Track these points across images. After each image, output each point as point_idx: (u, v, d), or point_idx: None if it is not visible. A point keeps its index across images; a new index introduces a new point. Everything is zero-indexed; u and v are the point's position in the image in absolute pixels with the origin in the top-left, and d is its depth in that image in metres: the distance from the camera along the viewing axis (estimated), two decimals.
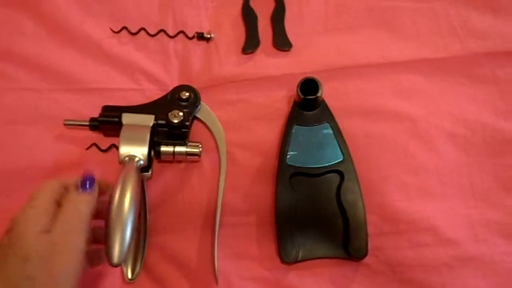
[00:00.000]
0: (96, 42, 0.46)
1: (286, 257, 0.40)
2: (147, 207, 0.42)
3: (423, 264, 0.40)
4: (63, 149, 0.43)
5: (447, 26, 0.47)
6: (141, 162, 0.39)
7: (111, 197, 0.34)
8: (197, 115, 0.44)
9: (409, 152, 0.43)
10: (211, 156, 0.44)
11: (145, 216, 0.42)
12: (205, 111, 0.45)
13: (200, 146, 0.43)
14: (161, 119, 0.42)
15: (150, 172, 0.42)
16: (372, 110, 0.45)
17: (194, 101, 0.44)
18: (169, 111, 0.42)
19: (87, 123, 0.42)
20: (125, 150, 0.39)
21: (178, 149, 0.42)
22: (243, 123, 0.45)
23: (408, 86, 0.45)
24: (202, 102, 0.44)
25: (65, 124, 0.43)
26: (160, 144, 0.42)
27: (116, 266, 0.32)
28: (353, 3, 0.48)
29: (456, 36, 0.46)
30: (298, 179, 0.42)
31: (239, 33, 0.47)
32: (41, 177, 0.42)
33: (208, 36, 0.47)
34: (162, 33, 0.47)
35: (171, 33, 0.47)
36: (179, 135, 0.42)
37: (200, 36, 0.47)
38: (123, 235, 0.33)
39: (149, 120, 0.42)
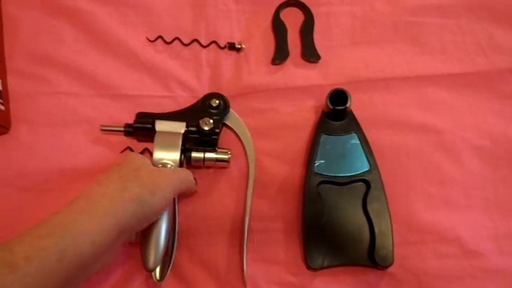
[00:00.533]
0: (132, 50, 0.48)
1: (312, 263, 0.40)
2: (177, 210, 0.43)
3: (448, 275, 0.41)
4: (99, 152, 0.45)
5: (472, 42, 0.48)
6: (172, 166, 0.41)
7: None
8: (226, 122, 0.45)
9: (435, 164, 0.44)
10: (239, 163, 0.45)
11: (174, 219, 0.43)
12: (234, 118, 0.46)
13: (229, 152, 0.44)
14: (192, 126, 0.43)
15: None
16: (398, 122, 0.46)
17: (223, 109, 0.45)
18: (200, 119, 0.43)
19: (122, 129, 0.44)
20: (158, 156, 0.41)
21: (208, 155, 0.43)
22: (271, 131, 0.46)
23: (434, 99, 0.46)
24: (231, 110, 0.46)
25: (101, 130, 0.45)
26: (191, 150, 0.43)
27: (151, 271, 0.35)
28: (379, 18, 0.50)
29: (481, 51, 0.48)
30: (325, 187, 0.43)
31: (269, 45, 0.49)
32: (78, 178, 0.44)
33: (239, 46, 0.48)
34: (195, 43, 0.48)
35: (203, 42, 0.49)
36: (209, 141, 0.44)
37: (232, 46, 0.48)
38: (158, 242, 0.36)
39: (180, 127, 0.43)
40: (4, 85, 0.45)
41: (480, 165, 0.44)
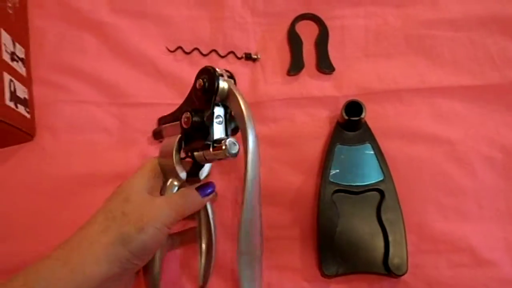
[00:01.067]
0: (151, 61, 0.50)
1: (326, 270, 0.41)
2: (210, 213, 0.39)
3: (461, 284, 0.42)
4: (117, 158, 0.46)
5: (484, 55, 0.49)
6: (175, 182, 0.36)
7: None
8: (225, 103, 0.36)
9: (447, 175, 0.45)
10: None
11: (208, 223, 0.39)
12: (229, 93, 0.35)
13: (225, 142, 0.33)
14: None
15: (204, 175, 0.39)
16: (411, 133, 0.47)
17: (210, 91, 0.34)
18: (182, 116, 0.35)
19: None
20: (162, 166, 0.37)
21: (206, 152, 0.35)
22: (286, 140, 0.47)
23: (446, 111, 0.47)
24: (223, 84, 0.35)
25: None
26: (194, 150, 0.36)
27: None
28: (392, 31, 0.51)
29: (493, 64, 0.49)
30: (339, 196, 0.44)
31: (285, 56, 0.50)
32: (99, 183, 0.45)
33: (255, 56, 0.50)
34: (213, 53, 0.50)
35: (221, 53, 0.50)
36: (203, 136, 0.35)
37: (248, 57, 0.50)
38: (153, 272, 0.36)
39: (178, 129, 0.36)
40: (30, 94, 0.47)
41: (492, 176, 0.45)
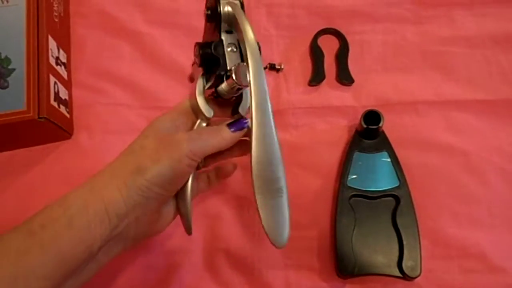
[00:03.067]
0: (181, 68, 0.53)
1: (343, 271, 0.43)
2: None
3: None
4: None
5: (497, 71, 0.51)
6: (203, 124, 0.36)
7: None
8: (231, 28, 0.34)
9: (461, 183, 0.47)
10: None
11: None
12: (232, 17, 0.33)
13: (234, 67, 0.32)
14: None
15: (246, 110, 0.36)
16: (426, 143, 0.49)
17: (213, 15, 0.33)
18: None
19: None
20: (197, 115, 0.36)
21: (223, 87, 0.33)
22: (306, 146, 0.50)
23: (461, 123, 0.50)
24: (227, 8, 0.33)
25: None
26: (216, 85, 0.34)
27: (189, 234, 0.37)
28: (409, 46, 0.54)
29: (506, 80, 0.51)
30: (356, 201, 0.46)
31: (306, 68, 0.53)
32: None
33: (279, 67, 0.53)
34: None
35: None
36: (217, 68, 0.33)
37: (272, 67, 0.53)
38: (186, 204, 0.35)
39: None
40: (70, 95, 0.51)
41: (504, 186, 0.47)
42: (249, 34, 0.31)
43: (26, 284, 0.29)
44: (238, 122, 0.35)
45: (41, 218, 0.31)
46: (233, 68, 0.31)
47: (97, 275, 0.34)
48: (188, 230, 0.37)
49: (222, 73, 0.33)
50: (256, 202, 0.33)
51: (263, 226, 0.32)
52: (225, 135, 0.35)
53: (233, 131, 0.35)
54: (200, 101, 0.36)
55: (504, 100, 0.50)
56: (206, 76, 0.35)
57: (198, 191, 0.40)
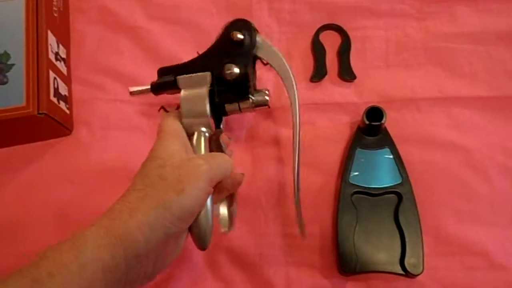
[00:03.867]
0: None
1: (345, 268, 0.43)
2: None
3: (474, 286, 0.43)
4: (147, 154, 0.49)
5: (500, 68, 0.51)
6: (207, 134, 0.37)
7: None
8: (258, 55, 0.39)
9: (463, 180, 0.47)
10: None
11: None
12: (266, 47, 0.38)
13: (267, 92, 0.38)
14: (218, 73, 0.37)
15: (222, 127, 0.40)
16: (428, 140, 0.49)
17: (249, 44, 0.37)
18: (223, 65, 0.36)
19: (149, 87, 0.42)
20: (188, 123, 0.37)
21: (244, 104, 0.38)
22: (307, 143, 0.49)
23: (463, 119, 0.49)
24: (259, 37, 0.39)
25: (131, 94, 0.43)
26: (224, 103, 0.38)
27: (204, 250, 0.35)
28: (412, 43, 0.53)
29: (509, 77, 0.50)
30: (358, 197, 0.46)
31: (308, 64, 0.53)
32: (129, 176, 0.47)
33: None
34: None
35: None
36: (240, 90, 0.37)
37: None
38: (207, 221, 0.34)
39: (204, 80, 0.37)
40: (69, 91, 0.51)
41: (506, 183, 0.47)
42: (286, 63, 0.39)
43: None
44: None
45: (49, 264, 0.27)
46: (266, 91, 0.38)
47: None
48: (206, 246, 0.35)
49: (246, 94, 0.37)
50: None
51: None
52: (232, 165, 0.36)
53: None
54: (210, 115, 0.37)
55: (507, 97, 0.50)
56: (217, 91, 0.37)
57: None
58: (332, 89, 0.52)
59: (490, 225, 0.45)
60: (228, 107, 0.38)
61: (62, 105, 0.48)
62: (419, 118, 0.50)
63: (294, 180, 0.39)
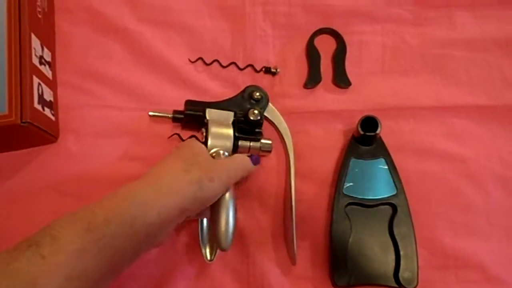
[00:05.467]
0: (174, 69, 0.51)
1: (338, 281, 0.42)
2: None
3: None
4: (141, 162, 0.47)
5: (499, 76, 0.50)
6: (226, 154, 0.43)
7: None
8: (265, 114, 0.49)
9: (459, 191, 0.46)
10: (277, 151, 0.49)
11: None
12: (271, 110, 0.49)
13: (272, 142, 0.47)
14: (240, 116, 0.47)
15: None
16: (424, 149, 0.48)
17: (264, 101, 0.48)
18: (246, 109, 0.47)
19: (171, 115, 0.47)
20: (213, 144, 0.43)
21: (254, 144, 0.46)
22: (301, 152, 0.48)
23: (460, 129, 0.49)
24: (269, 103, 0.49)
25: (150, 116, 0.48)
26: (239, 139, 0.46)
27: (225, 250, 0.39)
28: (409, 49, 0.52)
29: (507, 85, 0.50)
30: (352, 209, 0.45)
31: (302, 69, 0.52)
32: (115, 185, 0.46)
33: (274, 71, 0.51)
34: (233, 65, 0.51)
35: (241, 65, 0.51)
36: (253, 131, 0.47)
37: (267, 71, 0.51)
38: (228, 222, 0.39)
39: (229, 116, 0.47)
40: (55, 97, 0.49)
41: (503, 194, 0.46)
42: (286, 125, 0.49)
43: (78, 285, 0.27)
44: (256, 158, 0.43)
45: (106, 211, 0.30)
46: (271, 142, 0.48)
47: None
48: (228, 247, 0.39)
49: (257, 137, 0.47)
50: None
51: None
52: (249, 166, 0.42)
53: (254, 164, 0.42)
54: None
55: (505, 106, 0.49)
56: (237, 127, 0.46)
57: None
58: (326, 96, 0.51)
59: (485, 237, 0.45)
60: (241, 143, 0.46)
61: (47, 111, 0.46)
62: (415, 127, 0.49)
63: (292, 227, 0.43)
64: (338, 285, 0.42)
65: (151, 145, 0.48)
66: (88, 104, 0.50)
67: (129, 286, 0.44)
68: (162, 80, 0.51)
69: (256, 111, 0.46)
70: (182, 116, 0.47)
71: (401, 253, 0.42)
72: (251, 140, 0.46)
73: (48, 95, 0.47)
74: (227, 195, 0.39)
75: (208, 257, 0.44)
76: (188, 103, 0.47)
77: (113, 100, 0.50)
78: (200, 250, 0.44)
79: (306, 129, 0.49)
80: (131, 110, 0.50)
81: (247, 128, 0.47)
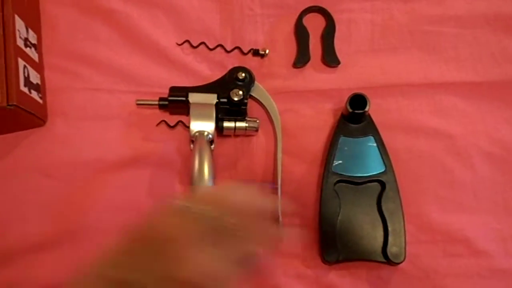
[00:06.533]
0: (162, 50, 0.50)
1: (327, 257, 0.43)
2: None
3: (456, 273, 0.44)
4: (127, 146, 0.48)
5: (486, 52, 0.50)
6: (210, 136, 0.44)
7: (192, 167, 0.41)
8: (252, 94, 0.49)
9: (446, 168, 0.47)
10: (266, 130, 0.49)
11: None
12: (259, 90, 0.49)
13: (258, 121, 0.47)
14: (223, 97, 0.46)
15: (213, 146, 0.46)
16: (412, 127, 0.48)
17: (249, 81, 0.48)
18: (230, 90, 0.46)
19: (157, 103, 0.47)
20: (195, 126, 0.45)
21: (239, 124, 0.46)
22: (290, 132, 0.49)
23: (447, 106, 0.49)
24: (256, 82, 0.48)
25: (137, 104, 0.47)
26: (223, 120, 0.46)
27: None
28: (398, 26, 0.52)
29: (495, 62, 0.50)
30: (342, 186, 0.45)
31: (291, 48, 0.51)
32: (108, 169, 0.47)
33: (263, 53, 0.50)
34: (220, 48, 0.51)
35: (229, 45, 0.51)
36: (238, 111, 0.47)
37: (256, 53, 0.51)
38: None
39: (212, 98, 0.46)
40: (42, 79, 0.48)
41: (490, 170, 0.47)
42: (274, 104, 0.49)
43: None
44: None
45: None
46: (257, 121, 0.47)
47: None
48: None
49: (241, 117, 0.47)
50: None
51: None
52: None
53: None
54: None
55: (492, 82, 0.49)
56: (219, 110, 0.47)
57: None
58: (315, 76, 0.50)
59: (472, 212, 0.45)
60: (226, 124, 0.46)
61: (34, 94, 0.46)
62: (403, 104, 0.49)
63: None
64: (327, 261, 0.43)
65: (140, 128, 0.48)
66: (76, 87, 0.49)
67: None
68: (151, 62, 0.50)
69: (240, 92, 0.46)
70: (167, 102, 0.47)
71: (389, 229, 0.43)
72: (236, 121, 0.46)
73: (34, 78, 0.46)
74: (206, 170, 0.40)
75: None
76: (172, 89, 0.47)
77: (101, 82, 0.50)
78: None
79: (295, 108, 0.49)
80: (119, 93, 0.49)
81: (232, 109, 0.47)
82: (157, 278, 0.26)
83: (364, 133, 0.46)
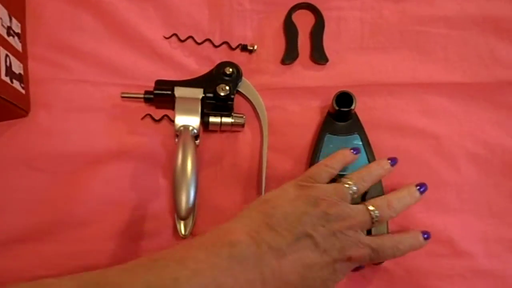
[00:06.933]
0: (149, 43, 0.50)
1: None
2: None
3: (439, 273, 0.43)
4: (112, 138, 0.47)
5: (475, 54, 0.50)
6: (195, 131, 0.44)
7: (175, 161, 0.40)
8: (239, 89, 0.48)
9: (432, 168, 0.47)
10: (252, 126, 0.48)
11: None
12: (246, 85, 0.48)
13: (244, 117, 0.47)
14: (209, 92, 0.46)
15: (198, 141, 0.46)
16: (399, 126, 0.48)
17: (236, 76, 0.47)
18: (216, 85, 0.46)
19: (142, 96, 0.47)
20: (180, 120, 0.44)
21: (225, 120, 0.46)
22: (276, 128, 0.48)
23: (434, 106, 0.49)
24: (243, 78, 0.48)
25: (122, 97, 0.47)
26: (209, 115, 0.46)
27: (184, 219, 0.41)
28: (387, 25, 0.52)
29: (483, 63, 0.50)
30: None
31: (280, 45, 0.51)
32: (93, 161, 0.46)
33: (251, 48, 0.50)
34: (207, 42, 0.50)
35: (217, 40, 0.50)
36: (225, 107, 0.46)
37: (244, 48, 0.50)
38: (188, 192, 0.39)
39: (198, 93, 0.46)
40: (25, 69, 0.47)
41: (475, 171, 0.47)
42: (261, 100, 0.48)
43: None
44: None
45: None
46: (244, 117, 0.47)
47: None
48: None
49: (227, 112, 0.46)
50: None
51: None
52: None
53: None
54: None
55: (480, 84, 0.49)
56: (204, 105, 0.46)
57: None
58: (303, 73, 0.50)
59: (455, 213, 0.45)
60: (212, 119, 0.46)
61: (16, 84, 0.45)
62: (390, 103, 0.49)
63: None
64: None
65: (125, 121, 0.48)
66: (60, 78, 0.48)
67: None
68: (137, 54, 0.50)
69: (227, 87, 0.45)
70: (152, 96, 0.46)
71: (372, 228, 0.43)
72: (222, 116, 0.46)
73: (17, 68, 0.45)
74: (189, 165, 0.40)
75: (183, 232, 0.44)
76: (158, 82, 0.47)
77: (86, 74, 0.49)
78: (175, 225, 0.44)
79: (283, 105, 0.49)
80: (104, 85, 0.49)
81: (218, 104, 0.46)
82: None
83: (350, 131, 0.46)
